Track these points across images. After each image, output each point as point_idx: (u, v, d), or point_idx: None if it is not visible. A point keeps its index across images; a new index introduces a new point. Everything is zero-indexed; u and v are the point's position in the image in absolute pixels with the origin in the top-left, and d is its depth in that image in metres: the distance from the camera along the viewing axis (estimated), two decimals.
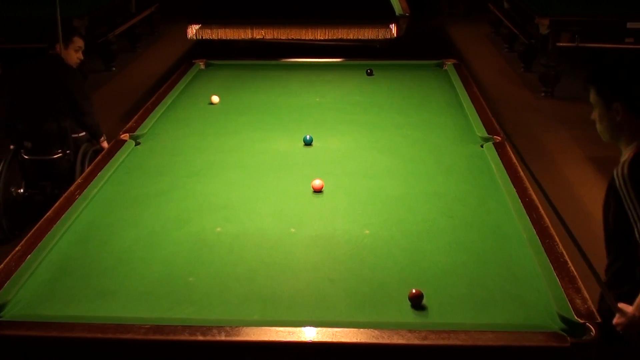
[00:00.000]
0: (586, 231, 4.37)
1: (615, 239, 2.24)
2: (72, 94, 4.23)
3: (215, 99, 4.17)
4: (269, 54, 6.18)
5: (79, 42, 4.42)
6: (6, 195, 4.17)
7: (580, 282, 2.21)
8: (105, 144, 4.33)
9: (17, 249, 2.44)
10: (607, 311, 2.10)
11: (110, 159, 3.28)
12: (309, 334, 2.01)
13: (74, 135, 4.31)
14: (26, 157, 4.21)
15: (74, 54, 4.39)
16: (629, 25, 6.58)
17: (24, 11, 7.11)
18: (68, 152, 4.25)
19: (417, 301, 2.19)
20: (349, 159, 3.37)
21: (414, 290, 2.21)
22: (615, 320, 2.09)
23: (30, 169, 4.25)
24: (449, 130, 3.75)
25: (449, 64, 4.91)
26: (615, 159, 2.24)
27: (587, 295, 2.14)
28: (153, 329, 2.03)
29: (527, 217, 2.65)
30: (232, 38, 6.53)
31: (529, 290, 2.24)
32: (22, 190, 4.26)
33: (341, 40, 6.43)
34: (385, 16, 6.46)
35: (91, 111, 4.37)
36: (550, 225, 2.59)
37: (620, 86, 2.21)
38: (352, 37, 6.39)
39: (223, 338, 1.99)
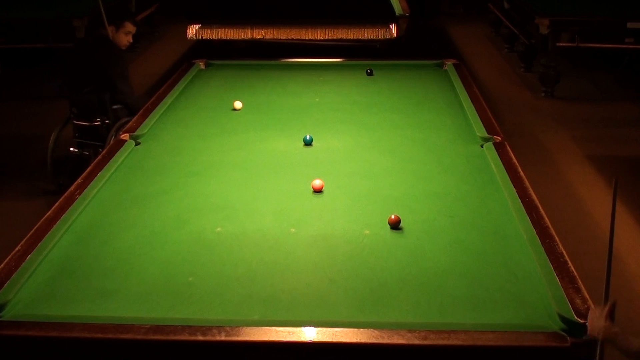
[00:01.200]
0: (586, 230, 4.39)
1: None
2: (107, 72, 4.62)
3: (238, 104, 4.10)
4: (269, 54, 6.18)
5: (129, 27, 4.79)
6: (66, 153, 4.81)
7: (580, 282, 2.21)
8: None
9: (17, 249, 2.44)
10: None
11: (110, 159, 3.28)
12: (309, 334, 2.01)
13: (114, 107, 4.68)
14: (74, 121, 4.76)
15: (123, 37, 4.78)
16: (629, 25, 6.58)
17: (24, 11, 7.11)
18: (107, 121, 4.65)
19: (395, 225, 2.62)
20: (349, 159, 3.37)
21: (392, 217, 2.64)
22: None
23: (79, 131, 4.77)
24: (449, 130, 3.75)
25: (449, 64, 4.90)
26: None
27: (587, 295, 2.14)
28: (153, 329, 2.03)
29: (527, 217, 2.65)
30: (232, 38, 6.53)
31: (529, 290, 2.24)
32: (76, 150, 4.79)
33: (341, 40, 6.43)
34: (385, 16, 6.46)
35: (127, 90, 4.73)
36: (550, 225, 2.59)
37: None
38: (352, 37, 6.39)
39: (223, 338, 2.00)
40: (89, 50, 4.83)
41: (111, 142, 4.31)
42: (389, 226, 2.64)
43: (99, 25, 4.84)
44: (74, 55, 4.98)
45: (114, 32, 4.72)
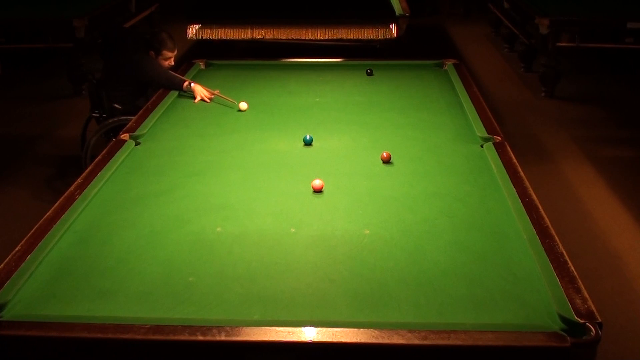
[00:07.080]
0: (586, 231, 4.39)
1: None
2: (137, 67, 4.60)
3: (243, 105, 4.11)
4: (269, 54, 6.18)
5: (167, 54, 4.72)
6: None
7: (580, 282, 2.21)
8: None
9: (17, 249, 2.44)
10: None
11: (110, 159, 3.28)
12: (309, 334, 2.01)
13: (114, 104, 4.64)
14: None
15: (164, 62, 4.71)
16: (629, 25, 6.58)
17: (24, 11, 7.12)
18: (104, 115, 4.66)
19: (387, 160, 3.16)
20: (349, 159, 3.37)
21: (384, 154, 3.18)
22: None
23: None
24: (449, 130, 3.75)
25: (449, 64, 4.91)
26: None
27: (587, 295, 2.14)
28: (153, 329, 2.03)
29: (527, 217, 2.65)
30: (232, 38, 6.53)
31: (529, 290, 2.24)
32: None
33: (341, 40, 6.43)
34: (385, 16, 6.46)
35: (153, 68, 4.62)
36: (550, 225, 2.59)
37: None
38: (352, 37, 6.39)
39: (223, 338, 2.00)
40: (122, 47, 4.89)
41: (92, 142, 4.50)
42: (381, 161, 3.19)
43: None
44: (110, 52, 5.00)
45: (154, 59, 4.68)
